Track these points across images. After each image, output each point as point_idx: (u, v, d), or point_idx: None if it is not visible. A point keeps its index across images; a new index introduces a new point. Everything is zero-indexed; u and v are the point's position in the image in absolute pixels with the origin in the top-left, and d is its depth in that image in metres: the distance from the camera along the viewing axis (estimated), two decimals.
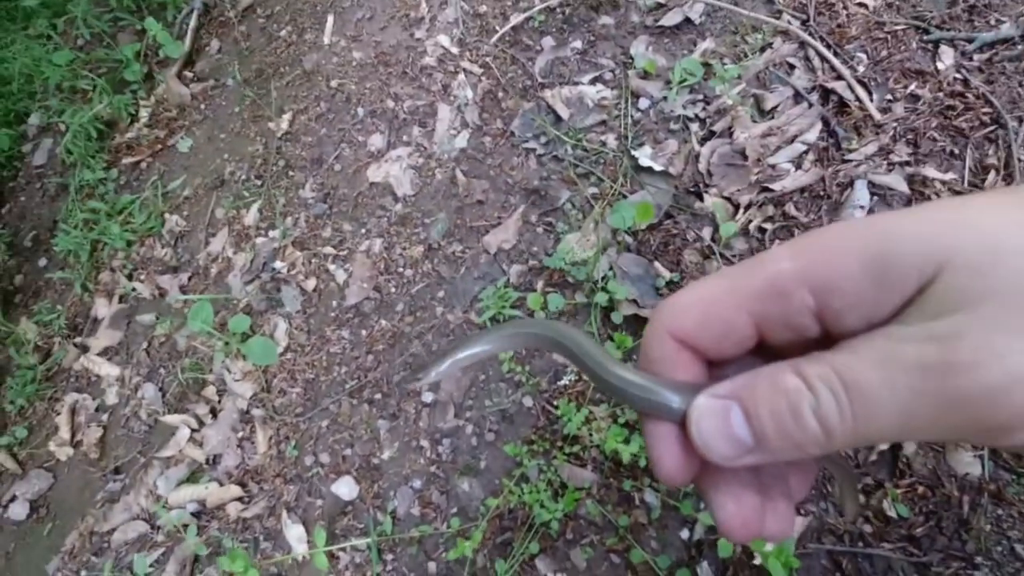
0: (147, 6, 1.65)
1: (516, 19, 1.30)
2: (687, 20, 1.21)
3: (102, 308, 1.31)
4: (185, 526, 0.97)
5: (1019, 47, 0.94)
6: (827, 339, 0.21)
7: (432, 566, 0.83)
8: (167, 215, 1.37)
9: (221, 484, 1.00)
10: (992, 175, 0.88)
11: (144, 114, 1.54)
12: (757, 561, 0.72)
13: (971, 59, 0.97)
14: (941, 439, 0.18)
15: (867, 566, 0.71)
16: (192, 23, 1.60)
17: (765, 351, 0.23)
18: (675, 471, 0.22)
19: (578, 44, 1.24)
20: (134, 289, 1.29)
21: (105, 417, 1.17)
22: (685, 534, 0.76)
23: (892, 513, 0.71)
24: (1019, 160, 0.86)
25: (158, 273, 1.30)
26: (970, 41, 0.97)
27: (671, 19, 1.21)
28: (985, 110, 0.92)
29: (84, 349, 1.26)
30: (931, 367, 0.17)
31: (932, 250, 0.18)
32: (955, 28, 1.00)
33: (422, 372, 0.30)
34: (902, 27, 1.04)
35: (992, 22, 0.98)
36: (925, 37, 1.02)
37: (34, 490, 1.13)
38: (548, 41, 1.27)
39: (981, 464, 0.72)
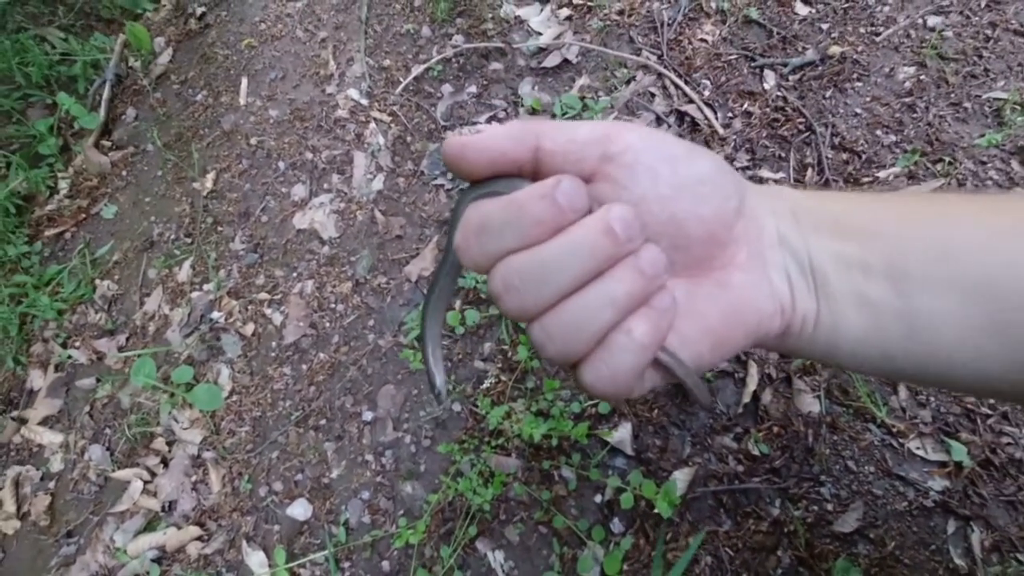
0: (56, 80, 1.69)
1: (417, 70, 1.44)
2: (566, 61, 1.39)
3: (37, 379, 1.33)
4: (147, 573, 1.01)
5: (820, 68, 1.17)
6: None
7: (386, 564, 0.92)
8: (97, 281, 1.41)
9: (179, 528, 1.05)
10: (810, 172, 1.09)
11: (64, 185, 1.58)
12: (656, 510, 0.86)
13: (787, 80, 1.19)
14: None
15: (743, 499, 0.86)
16: (105, 94, 1.65)
17: None
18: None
19: (473, 89, 1.40)
20: (70, 356, 1.32)
21: (52, 484, 1.19)
22: (598, 498, 0.90)
23: (756, 452, 0.87)
24: (827, 159, 1.08)
25: (94, 338, 1.34)
26: (785, 65, 1.20)
27: (551, 61, 1.39)
28: (800, 120, 1.13)
29: (22, 421, 1.27)
30: None
31: None
32: (773, 55, 1.23)
33: (437, 391, 0.32)
34: (735, 56, 1.26)
35: (800, 49, 1.21)
36: (752, 64, 1.23)
37: None
38: (447, 88, 1.42)
39: (820, 402, 0.89)
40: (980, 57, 1.08)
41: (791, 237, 0.29)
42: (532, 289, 0.25)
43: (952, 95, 1.07)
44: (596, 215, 0.24)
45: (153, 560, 1.03)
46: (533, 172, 0.27)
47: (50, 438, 1.23)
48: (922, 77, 1.10)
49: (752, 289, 0.28)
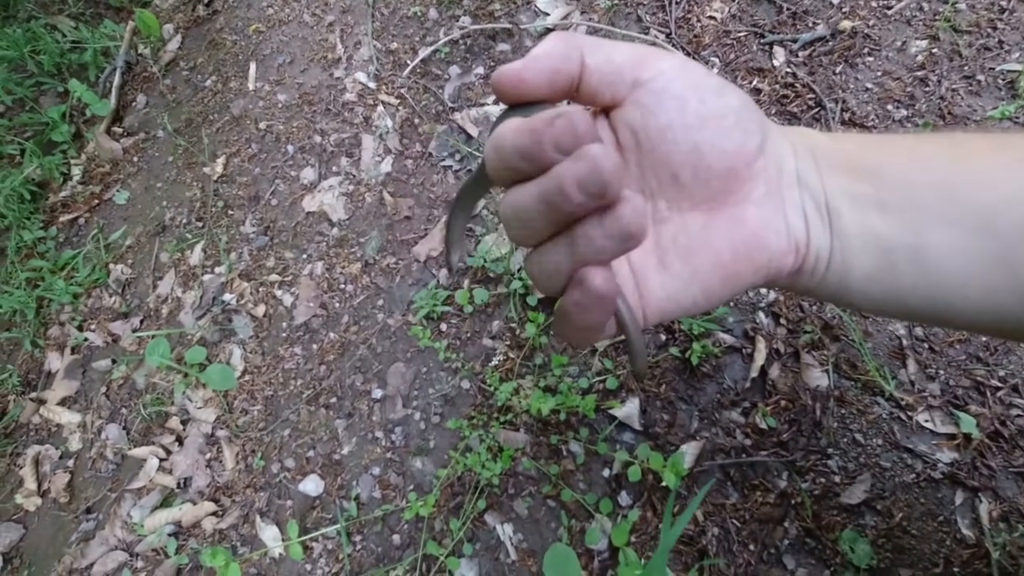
0: (68, 68, 1.71)
1: (424, 52, 1.44)
2: None
3: (55, 361, 1.35)
4: (164, 547, 1.04)
5: (830, 43, 1.16)
6: None
7: (396, 538, 0.94)
8: (111, 265, 1.43)
9: (194, 503, 1.07)
10: None
11: (77, 172, 1.60)
12: (663, 483, 0.86)
13: (797, 56, 1.18)
14: None
15: (751, 472, 0.87)
16: (116, 81, 1.67)
17: None
18: None
19: (480, 70, 1.40)
20: (86, 339, 1.35)
21: (71, 463, 1.22)
22: (606, 472, 0.90)
23: (764, 426, 0.88)
24: None
25: (109, 321, 1.36)
26: (795, 41, 1.18)
27: None
28: (810, 96, 1.12)
29: (41, 402, 1.30)
30: None
31: None
32: (783, 31, 1.21)
33: (451, 264, 0.37)
34: (744, 33, 1.25)
35: (810, 24, 1.20)
36: (762, 40, 1.22)
37: (5, 543, 1.16)
38: (454, 70, 1.42)
39: (828, 376, 0.89)
40: (994, 29, 1.07)
41: (809, 176, 0.29)
42: (517, 226, 0.25)
43: (965, 68, 1.05)
44: (562, 166, 0.23)
45: (170, 535, 1.05)
46: (577, 88, 0.27)
47: (68, 418, 1.26)
48: (935, 50, 1.09)
49: (766, 226, 0.28)
